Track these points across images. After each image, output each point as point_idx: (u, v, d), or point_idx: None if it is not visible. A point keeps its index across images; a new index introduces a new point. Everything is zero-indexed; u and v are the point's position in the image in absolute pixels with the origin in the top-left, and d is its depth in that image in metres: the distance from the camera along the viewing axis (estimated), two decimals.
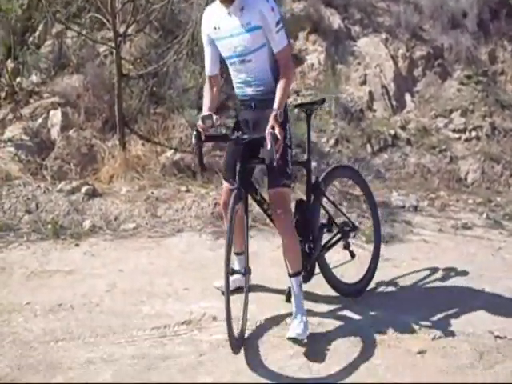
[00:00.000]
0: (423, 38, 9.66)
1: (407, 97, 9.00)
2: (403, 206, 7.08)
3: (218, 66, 4.34)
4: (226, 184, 4.50)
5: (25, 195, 6.40)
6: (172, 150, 7.20)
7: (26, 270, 5.30)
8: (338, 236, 4.85)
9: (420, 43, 9.57)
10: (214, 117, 4.05)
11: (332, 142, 8.02)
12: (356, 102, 8.62)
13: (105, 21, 7.24)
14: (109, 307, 4.67)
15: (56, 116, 7.33)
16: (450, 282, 5.27)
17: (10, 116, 7.38)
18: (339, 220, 4.99)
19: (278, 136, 3.85)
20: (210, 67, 4.33)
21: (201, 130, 4.03)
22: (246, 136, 4.09)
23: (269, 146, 3.83)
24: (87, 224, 6.10)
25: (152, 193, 6.57)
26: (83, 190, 6.42)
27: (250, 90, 4.25)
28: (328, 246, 4.78)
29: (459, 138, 8.59)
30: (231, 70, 4.28)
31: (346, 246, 4.91)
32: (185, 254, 5.67)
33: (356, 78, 8.89)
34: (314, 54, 8.97)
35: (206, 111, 4.16)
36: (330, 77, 8.65)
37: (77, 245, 5.80)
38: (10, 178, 6.68)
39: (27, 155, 6.99)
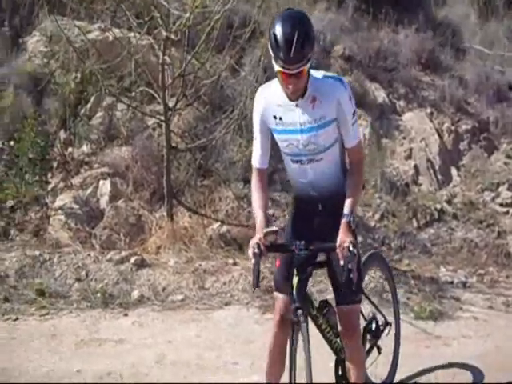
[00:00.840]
0: (468, 112, 9.69)
1: (453, 171, 8.97)
2: (451, 282, 6.99)
3: (268, 156, 3.67)
4: (279, 295, 3.70)
5: (75, 263, 6.50)
6: (219, 223, 7.25)
7: (76, 337, 5.40)
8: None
9: (465, 117, 9.59)
10: (277, 230, 3.53)
11: (377, 216, 7.99)
12: (401, 176, 8.61)
13: (155, 95, 7.42)
14: (158, 378, 4.70)
15: (105, 186, 7.48)
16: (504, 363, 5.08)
17: (61, 185, 7.55)
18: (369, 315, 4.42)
19: (355, 252, 3.28)
20: (260, 159, 3.65)
21: (261, 244, 3.35)
22: (311, 247, 3.46)
23: (342, 263, 3.29)
24: (136, 294, 6.15)
25: (200, 265, 6.61)
26: (132, 260, 6.50)
27: (316, 191, 3.66)
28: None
29: (507, 212, 8.49)
30: (292, 168, 3.67)
31: (374, 343, 4.35)
32: (233, 328, 5.67)
33: (401, 152, 8.91)
34: (360, 128, 9.02)
35: (260, 215, 3.53)
36: (375, 151, 8.68)
37: (125, 314, 5.86)
38: (60, 246, 6.84)
39: (77, 223, 7.12)
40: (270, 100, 3.48)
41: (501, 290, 6.95)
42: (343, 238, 3.31)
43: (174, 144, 7.51)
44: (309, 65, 3.28)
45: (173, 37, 7.11)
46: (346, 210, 3.42)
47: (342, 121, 3.46)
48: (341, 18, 10.12)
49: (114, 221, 7.12)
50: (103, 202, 7.38)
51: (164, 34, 7.09)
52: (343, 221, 3.40)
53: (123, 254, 6.59)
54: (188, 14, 6.99)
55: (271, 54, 3.23)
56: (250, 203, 7.32)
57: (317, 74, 3.48)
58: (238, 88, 8.27)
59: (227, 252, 6.95)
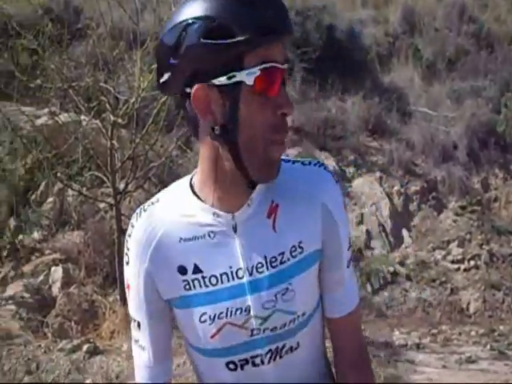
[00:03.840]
0: (416, 173, 9.94)
1: (404, 232, 9.15)
2: (406, 345, 7.05)
3: (171, 358, 1.76)
4: None
5: (25, 355, 6.39)
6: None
7: None
8: None
9: (414, 178, 9.83)
10: None
11: None
12: (354, 242, 8.74)
13: (104, 179, 7.50)
14: None
15: (57, 272, 7.46)
16: None
17: (12, 273, 7.51)
18: None
19: None
20: (154, 367, 1.72)
21: None
22: None
23: None
24: (88, 383, 6.08)
25: None
26: (84, 348, 6.42)
27: None
28: None
29: (458, 269, 8.67)
30: (223, 381, 1.72)
31: None
32: None
33: (353, 219, 9.06)
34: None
35: None
36: None
37: None
38: (10, 337, 6.69)
39: (28, 313, 7.04)
40: (171, 231, 1.63)
41: (454, 348, 7.06)
42: None
43: (125, 226, 7.55)
44: None
45: (120, 121, 7.23)
46: None
47: (331, 255, 1.71)
48: (289, 91, 10.37)
49: (67, 308, 7.09)
50: (55, 288, 7.35)
51: (112, 118, 7.20)
52: None
53: (75, 342, 6.51)
54: (134, 98, 7.14)
55: (231, 72, 1.49)
56: None
57: None
58: (188, 166, 8.39)
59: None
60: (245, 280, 1.62)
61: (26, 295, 7.22)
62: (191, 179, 1.69)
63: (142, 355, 1.73)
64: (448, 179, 9.77)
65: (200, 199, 1.64)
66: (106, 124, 7.45)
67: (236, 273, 1.62)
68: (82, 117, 7.86)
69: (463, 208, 9.57)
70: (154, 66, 7.23)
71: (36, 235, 7.98)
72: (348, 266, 1.73)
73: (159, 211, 1.67)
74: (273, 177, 1.59)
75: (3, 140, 8.52)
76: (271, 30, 1.48)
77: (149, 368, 1.73)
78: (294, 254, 1.64)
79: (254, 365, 1.68)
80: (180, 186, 1.70)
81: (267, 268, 1.62)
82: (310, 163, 1.72)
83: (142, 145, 7.60)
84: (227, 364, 1.68)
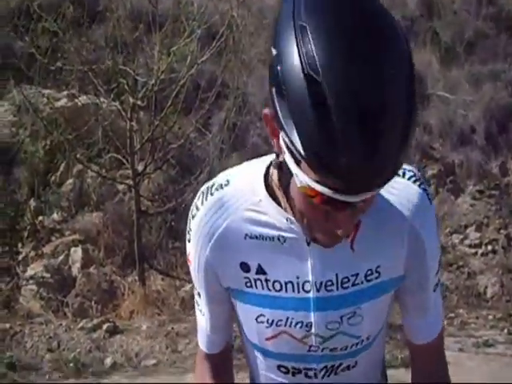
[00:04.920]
0: (434, 157, 9.88)
1: None
2: None
3: (230, 329, 1.71)
4: None
5: (47, 333, 6.50)
6: (191, 284, 7.24)
7: None
8: None
9: (431, 162, 9.78)
10: None
11: None
12: None
13: (124, 160, 7.55)
14: None
15: (77, 253, 7.53)
16: None
17: (32, 254, 7.59)
18: None
19: None
20: (213, 338, 1.68)
21: None
22: None
23: None
24: (108, 361, 6.16)
25: (172, 328, 6.63)
26: (104, 327, 6.52)
27: None
28: None
29: (475, 253, 8.63)
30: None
31: None
32: None
33: None
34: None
35: None
36: None
37: (99, 383, 5.85)
38: (31, 316, 6.83)
39: (49, 292, 7.14)
40: (237, 224, 1.49)
41: (471, 332, 7.05)
42: None
43: (144, 208, 7.60)
44: None
45: (139, 103, 7.26)
46: None
47: (415, 281, 1.53)
48: None
49: (86, 288, 7.17)
50: (75, 269, 7.42)
51: (131, 100, 7.23)
52: None
53: (95, 321, 6.61)
54: (153, 81, 7.16)
55: (286, 143, 1.20)
56: None
57: None
58: (206, 148, 8.41)
59: None
60: (311, 295, 1.48)
61: (47, 275, 7.30)
62: (268, 168, 1.47)
63: (201, 319, 1.68)
64: (466, 163, 9.70)
65: (274, 199, 1.44)
66: (125, 106, 7.49)
67: (302, 285, 1.47)
68: (102, 99, 7.88)
69: (481, 192, 9.51)
70: (173, 48, 7.29)
71: (56, 216, 8.02)
72: (434, 290, 1.56)
73: (227, 198, 1.49)
74: (326, 246, 1.38)
75: (24, 122, 8.56)
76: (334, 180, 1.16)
77: (206, 335, 1.68)
78: (368, 278, 1.47)
79: (307, 376, 1.60)
80: (254, 174, 1.49)
81: (337, 288, 1.47)
82: (404, 174, 1.47)
83: (161, 127, 7.63)
84: (279, 366, 1.61)
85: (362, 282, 1.47)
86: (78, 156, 7.77)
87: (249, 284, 1.51)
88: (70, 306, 7.01)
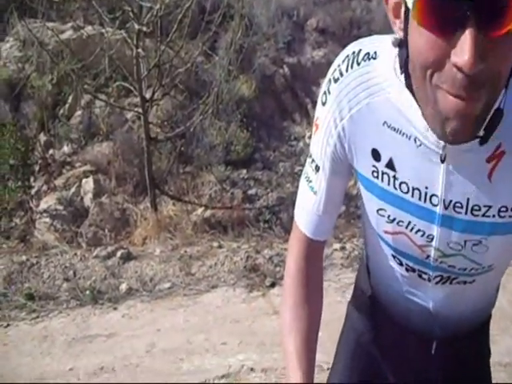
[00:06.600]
0: None
1: None
2: None
3: (335, 217, 1.65)
4: None
5: (62, 264, 6.53)
6: (202, 208, 7.29)
7: (67, 336, 5.41)
8: None
9: None
10: None
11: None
12: None
13: (131, 88, 7.45)
14: (149, 367, 4.74)
15: (88, 184, 7.52)
16: None
17: (45, 188, 7.59)
18: None
19: None
20: (319, 222, 1.60)
21: None
22: None
23: None
24: (124, 287, 6.18)
25: (185, 251, 6.63)
26: (118, 254, 6.53)
27: (440, 324, 1.68)
28: None
29: None
30: (395, 270, 1.62)
31: None
32: (220, 309, 5.69)
33: None
34: None
35: (303, 352, 1.55)
36: None
37: (115, 308, 5.88)
38: (47, 248, 6.87)
39: (63, 224, 7.17)
40: (378, 105, 1.37)
41: None
42: None
43: (153, 135, 7.53)
44: None
45: (145, 29, 7.11)
46: None
47: None
48: None
49: (99, 217, 7.17)
50: (87, 199, 7.42)
51: (136, 26, 7.09)
52: None
53: (109, 249, 6.62)
54: (158, 6, 7.00)
55: None
56: (232, 185, 7.38)
57: None
58: (213, 72, 8.27)
59: (212, 235, 6.96)
60: (438, 210, 1.39)
61: (60, 207, 7.32)
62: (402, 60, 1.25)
63: (310, 199, 1.58)
64: None
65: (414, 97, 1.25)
66: (130, 34, 7.36)
67: (430, 197, 1.38)
68: (107, 28, 7.75)
69: None
70: None
71: (66, 149, 7.99)
72: None
73: (375, 75, 1.36)
74: (448, 137, 1.17)
75: (30, 55, 8.47)
76: None
77: (314, 217, 1.58)
78: (501, 214, 1.35)
79: (421, 277, 1.56)
80: (394, 57, 1.32)
81: (466, 212, 1.37)
82: None
83: (167, 52, 7.50)
84: (393, 256, 1.57)
85: (494, 216, 1.36)
86: (85, 86, 7.67)
87: (375, 175, 1.43)
88: (83, 235, 7.03)
